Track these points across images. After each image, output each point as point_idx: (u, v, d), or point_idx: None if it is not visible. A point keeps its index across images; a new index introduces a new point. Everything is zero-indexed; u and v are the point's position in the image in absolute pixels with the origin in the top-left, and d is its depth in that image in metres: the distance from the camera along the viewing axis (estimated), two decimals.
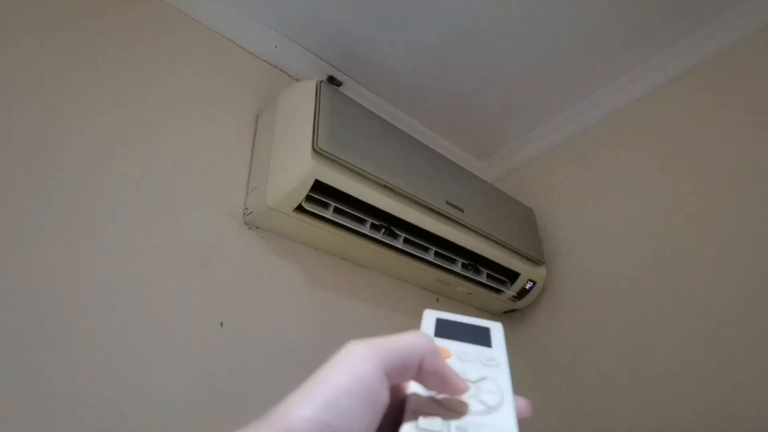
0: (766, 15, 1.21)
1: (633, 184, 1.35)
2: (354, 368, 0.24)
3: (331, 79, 1.39)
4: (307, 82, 1.10)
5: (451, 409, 0.26)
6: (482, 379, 0.28)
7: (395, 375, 0.25)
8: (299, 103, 1.06)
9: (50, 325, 0.79)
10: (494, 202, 1.36)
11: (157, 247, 0.94)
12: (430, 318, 0.34)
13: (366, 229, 1.07)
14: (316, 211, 1.00)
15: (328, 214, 1.02)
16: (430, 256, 1.19)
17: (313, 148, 0.97)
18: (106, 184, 0.93)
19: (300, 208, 0.99)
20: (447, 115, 1.59)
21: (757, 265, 1.06)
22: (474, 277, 1.28)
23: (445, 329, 0.33)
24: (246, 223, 1.08)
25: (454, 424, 0.25)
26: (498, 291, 1.35)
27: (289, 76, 1.36)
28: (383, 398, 0.24)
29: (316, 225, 1.04)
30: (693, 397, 1.06)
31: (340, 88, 1.40)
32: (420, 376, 0.26)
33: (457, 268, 1.25)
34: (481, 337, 0.32)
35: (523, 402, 0.28)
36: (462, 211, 1.22)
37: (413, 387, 0.27)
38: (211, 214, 1.04)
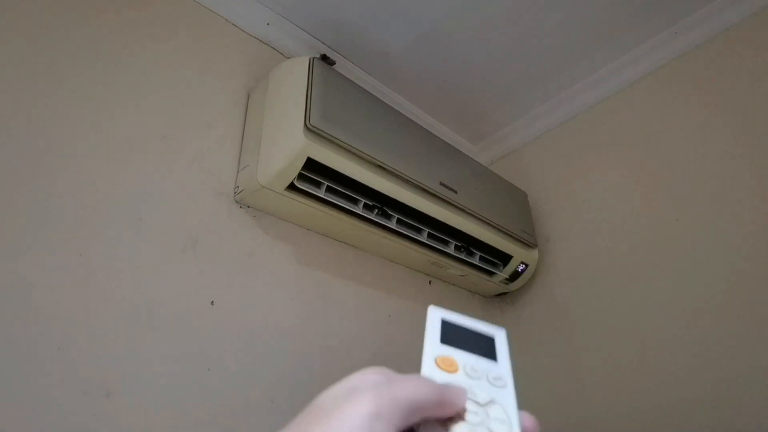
0: (752, 2, 1.20)
1: (625, 168, 1.35)
2: (367, 425, 0.24)
3: (324, 58, 1.36)
4: (299, 59, 1.08)
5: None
6: (490, 402, 0.28)
7: (404, 425, 0.25)
8: (291, 80, 1.04)
9: (36, 304, 0.77)
10: (488, 185, 1.35)
11: (146, 225, 0.93)
12: (435, 318, 0.34)
13: (359, 209, 1.06)
14: (308, 190, 0.99)
15: (321, 193, 1.01)
16: (423, 238, 1.18)
17: (305, 125, 0.95)
18: (93, 160, 0.91)
19: (292, 187, 0.98)
20: (441, 98, 1.57)
21: (749, 246, 1.06)
22: (467, 259, 1.28)
23: (450, 334, 0.33)
24: (237, 202, 1.06)
25: None
26: (490, 273, 1.34)
27: (282, 54, 1.34)
28: None
29: (308, 204, 1.03)
30: (685, 378, 1.07)
31: (333, 68, 1.38)
32: (428, 414, 0.27)
33: (450, 250, 1.24)
34: (487, 348, 0.33)
35: (531, 419, 0.29)
36: (455, 192, 1.21)
37: None
38: (201, 192, 1.02)
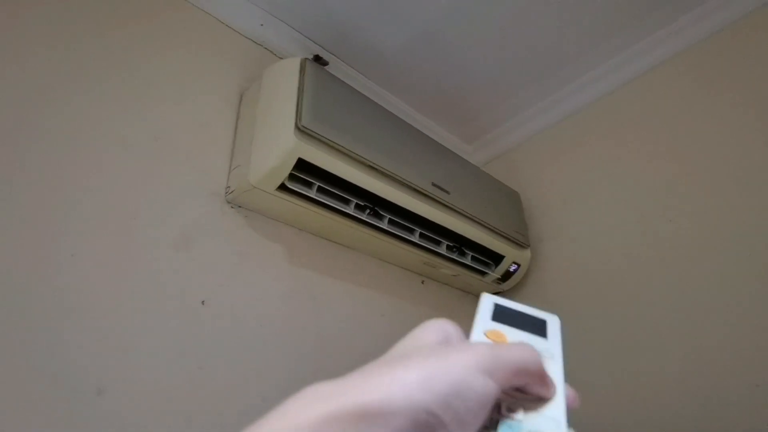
0: None
1: (619, 169, 1.35)
2: (479, 378, 0.23)
3: (317, 58, 1.37)
4: (291, 59, 1.09)
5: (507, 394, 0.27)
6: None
7: (505, 388, 0.26)
8: (283, 81, 1.05)
9: (28, 301, 0.78)
10: (480, 185, 1.36)
11: (138, 224, 0.93)
12: (487, 302, 0.34)
13: (350, 210, 1.07)
14: (299, 190, 0.99)
15: (312, 193, 1.01)
16: (415, 238, 1.19)
17: (296, 125, 0.96)
18: (85, 160, 0.91)
19: (283, 187, 0.98)
20: (435, 98, 1.58)
21: (743, 247, 1.07)
22: (459, 259, 1.28)
23: (501, 315, 0.33)
24: (228, 202, 1.06)
25: (505, 405, 0.26)
26: (483, 273, 1.35)
27: (275, 55, 1.34)
28: (489, 408, 0.24)
29: (299, 204, 1.04)
30: (677, 378, 1.08)
31: (326, 68, 1.39)
32: (524, 385, 0.27)
33: (443, 250, 1.25)
34: (538, 328, 0.33)
35: (572, 393, 0.29)
36: (448, 192, 1.21)
37: None
38: (193, 192, 1.03)
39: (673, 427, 1.05)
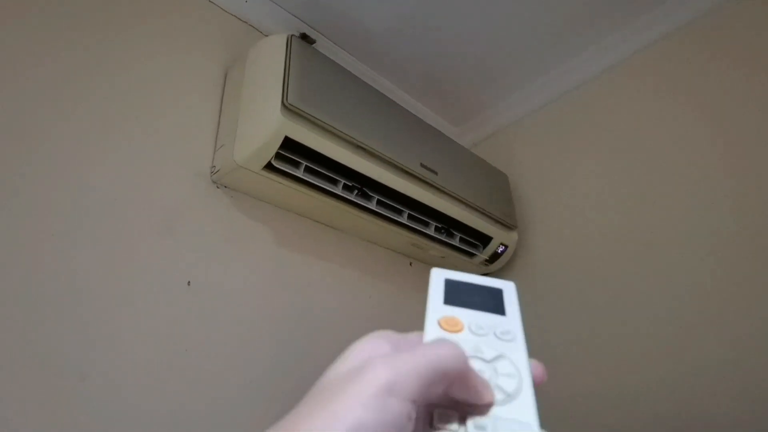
0: None
1: (606, 151, 1.36)
2: (379, 402, 0.21)
3: (304, 37, 1.34)
4: (277, 36, 1.06)
5: (471, 405, 0.24)
6: (498, 357, 0.27)
7: (421, 400, 0.23)
8: (269, 58, 1.02)
9: (9, 284, 0.76)
10: (468, 166, 1.35)
11: (121, 205, 0.91)
12: (438, 279, 0.32)
13: (338, 190, 1.06)
14: (286, 170, 0.98)
15: (299, 173, 1.00)
16: (403, 219, 1.18)
17: (282, 103, 0.94)
18: (67, 140, 0.88)
19: (270, 167, 0.97)
20: (423, 79, 1.56)
21: (726, 230, 1.08)
22: (447, 241, 1.28)
23: (454, 293, 0.31)
24: (213, 182, 1.05)
25: (471, 422, 0.23)
26: (470, 255, 1.35)
27: (261, 32, 1.31)
28: (409, 430, 0.22)
29: (286, 184, 1.02)
30: (664, 358, 1.10)
31: (313, 47, 1.36)
32: (448, 388, 0.24)
33: (431, 231, 1.25)
34: (494, 303, 0.31)
35: (538, 367, 0.27)
36: (436, 173, 1.21)
37: None
38: (177, 172, 1.01)
39: (657, 406, 1.07)
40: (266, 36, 1.30)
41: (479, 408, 0.24)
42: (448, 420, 0.23)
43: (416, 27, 1.37)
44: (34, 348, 0.75)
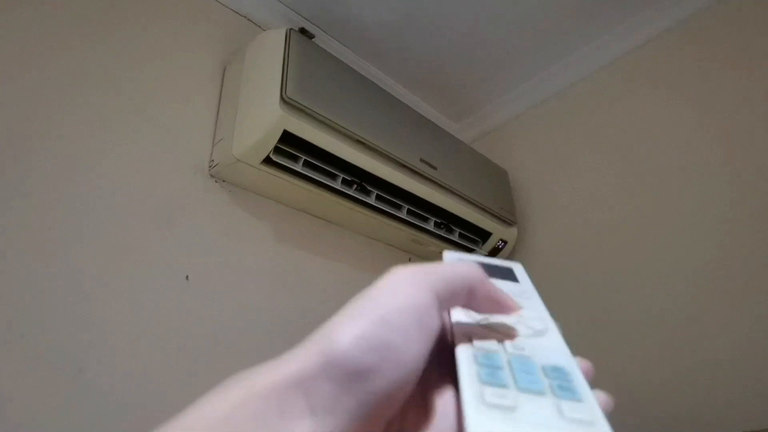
0: None
1: (606, 146, 1.36)
2: (405, 291, 0.22)
3: (303, 31, 1.33)
4: (276, 30, 1.06)
5: (501, 332, 0.25)
6: (521, 309, 0.27)
7: (445, 302, 0.23)
8: (267, 52, 1.02)
9: (7, 277, 0.75)
10: (468, 162, 1.35)
11: (119, 199, 0.91)
12: (451, 258, 0.33)
13: (337, 185, 1.05)
14: (285, 164, 0.97)
15: (298, 167, 0.99)
16: (402, 214, 1.18)
17: (281, 97, 0.93)
18: (66, 135, 0.88)
19: (268, 161, 0.96)
20: (423, 75, 1.56)
21: (724, 222, 1.08)
22: (446, 236, 1.28)
23: None
24: (212, 176, 1.04)
25: (509, 344, 0.24)
26: (470, 250, 1.35)
27: (260, 27, 1.31)
28: (436, 323, 0.22)
29: (285, 179, 1.02)
30: (663, 353, 1.09)
31: (312, 41, 1.35)
32: (471, 302, 0.25)
33: (430, 227, 1.24)
34: (507, 275, 0.32)
35: (586, 365, 0.28)
36: (435, 169, 1.20)
37: (456, 315, 0.26)
38: (176, 166, 1.00)
39: (656, 401, 1.07)
40: (265, 30, 1.30)
41: (511, 335, 0.25)
42: (486, 339, 0.24)
43: (416, 22, 1.36)
44: (32, 340, 0.75)
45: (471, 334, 0.25)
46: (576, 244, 1.33)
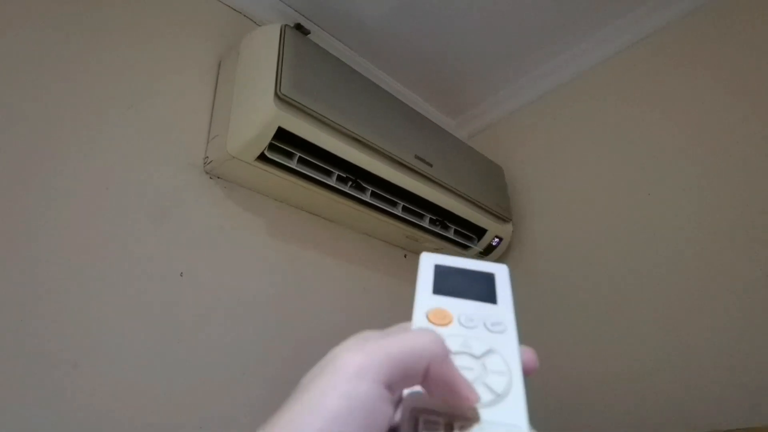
0: None
1: (602, 143, 1.36)
2: (349, 387, 0.20)
3: (299, 27, 1.33)
4: (271, 26, 1.05)
5: (453, 406, 0.23)
6: (488, 352, 0.26)
7: (398, 386, 0.22)
8: (262, 48, 1.01)
9: (1, 272, 0.75)
10: (463, 158, 1.35)
11: (113, 196, 0.91)
12: (427, 266, 0.30)
13: (332, 181, 1.05)
14: (279, 161, 0.97)
15: (293, 164, 0.99)
16: (398, 211, 1.18)
17: (275, 93, 0.93)
18: (60, 129, 0.87)
19: (263, 158, 0.96)
20: (419, 71, 1.55)
21: (726, 218, 1.09)
22: (442, 233, 1.28)
23: (444, 281, 0.30)
24: (207, 173, 1.04)
25: (457, 427, 0.22)
26: (465, 247, 1.35)
27: (255, 22, 1.30)
28: (386, 415, 0.21)
29: (280, 176, 1.02)
30: (659, 349, 1.10)
31: (308, 37, 1.35)
32: (425, 382, 0.22)
33: (426, 224, 1.24)
34: (486, 290, 0.30)
35: (529, 354, 0.26)
36: (431, 165, 1.20)
37: (406, 394, 0.25)
38: (170, 163, 1.00)
39: (653, 396, 1.08)
40: (260, 26, 1.29)
41: (466, 411, 0.23)
42: (433, 426, 0.22)
43: (412, 18, 1.36)
44: (27, 335, 0.75)
45: (417, 409, 0.23)
46: (572, 240, 1.34)
